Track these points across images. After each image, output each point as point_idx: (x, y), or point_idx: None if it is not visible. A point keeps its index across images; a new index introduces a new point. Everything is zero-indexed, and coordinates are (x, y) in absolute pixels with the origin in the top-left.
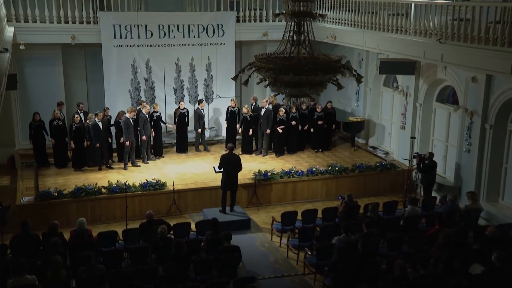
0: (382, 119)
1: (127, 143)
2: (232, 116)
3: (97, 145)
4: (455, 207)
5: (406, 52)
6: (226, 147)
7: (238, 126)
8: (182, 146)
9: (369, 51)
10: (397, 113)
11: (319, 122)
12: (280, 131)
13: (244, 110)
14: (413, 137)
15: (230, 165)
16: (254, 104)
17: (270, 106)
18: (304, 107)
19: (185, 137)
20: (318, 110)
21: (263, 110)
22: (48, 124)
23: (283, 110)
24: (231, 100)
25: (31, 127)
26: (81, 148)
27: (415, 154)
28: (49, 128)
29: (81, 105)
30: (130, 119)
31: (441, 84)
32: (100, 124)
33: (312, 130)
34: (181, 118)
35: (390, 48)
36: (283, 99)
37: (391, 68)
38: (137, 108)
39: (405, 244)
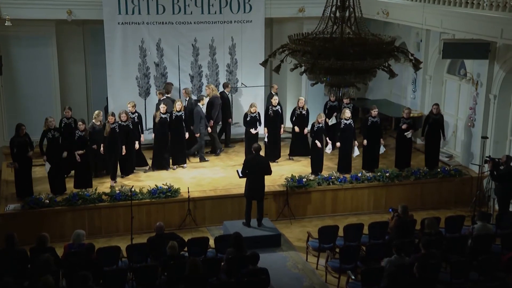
0: (445, 114)
1: None
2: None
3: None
4: None
5: (478, 31)
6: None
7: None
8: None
9: (429, 30)
10: (464, 107)
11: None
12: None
13: (178, 105)
14: (484, 137)
15: (255, 169)
16: (187, 99)
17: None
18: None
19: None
20: (373, 114)
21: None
22: (40, 136)
23: (376, 110)
24: (175, 102)
25: (13, 144)
26: (87, 160)
27: (488, 158)
28: (40, 140)
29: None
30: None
31: None
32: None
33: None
34: (162, 124)
35: (456, 27)
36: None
37: (458, 51)
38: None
39: (473, 270)
